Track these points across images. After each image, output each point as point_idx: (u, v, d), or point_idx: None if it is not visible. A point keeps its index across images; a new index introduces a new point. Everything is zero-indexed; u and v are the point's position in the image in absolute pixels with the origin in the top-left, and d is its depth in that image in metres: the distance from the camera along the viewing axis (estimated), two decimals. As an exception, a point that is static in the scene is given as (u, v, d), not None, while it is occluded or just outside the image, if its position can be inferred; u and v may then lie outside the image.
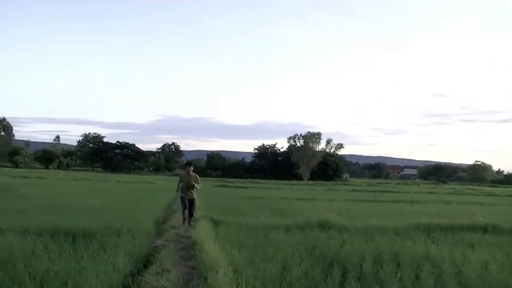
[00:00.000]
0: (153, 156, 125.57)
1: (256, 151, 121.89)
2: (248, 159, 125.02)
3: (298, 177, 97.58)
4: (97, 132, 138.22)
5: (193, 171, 12.98)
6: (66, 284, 5.19)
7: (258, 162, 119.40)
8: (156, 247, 8.60)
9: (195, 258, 7.51)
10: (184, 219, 12.33)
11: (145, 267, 7.03)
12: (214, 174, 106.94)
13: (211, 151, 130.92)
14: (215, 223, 12.34)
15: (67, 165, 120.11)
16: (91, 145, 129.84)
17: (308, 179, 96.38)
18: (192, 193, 12.62)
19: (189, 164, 13.31)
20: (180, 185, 12.75)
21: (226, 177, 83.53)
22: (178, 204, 14.19)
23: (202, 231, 9.96)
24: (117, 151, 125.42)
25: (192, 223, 12.17)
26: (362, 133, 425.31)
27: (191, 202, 12.57)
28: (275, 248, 8.51)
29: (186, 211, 12.34)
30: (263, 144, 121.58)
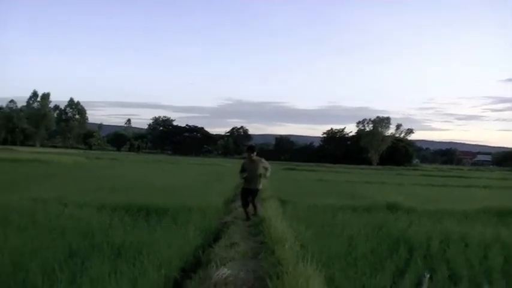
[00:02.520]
0: (221, 140, 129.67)
1: (324, 135, 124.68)
2: (316, 144, 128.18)
3: (367, 162, 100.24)
4: (167, 116, 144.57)
5: (257, 155, 10.96)
6: (141, 253, 5.88)
7: (326, 146, 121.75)
8: (225, 223, 9.30)
9: (263, 233, 8.06)
10: (247, 217, 10.61)
11: (215, 241, 7.69)
12: (282, 158, 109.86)
13: (280, 135, 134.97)
14: (283, 203, 12.97)
15: (138, 148, 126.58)
16: (161, 128, 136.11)
17: (377, 164, 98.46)
18: (257, 183, 10.75)
19: (250, 148, 10.99)
20: (244, 175, 10.82)
21: (294, 161, 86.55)
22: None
23: (270, 209, 10.66)
24: (187, 134, 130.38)
25: (258, 214, 10.67)
26: (433, 119, 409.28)
27: (254, 193, 10.85)
28: (341, 227, 8.95)
29: (248, 209, 10.78)
30: (331, 129, 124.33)
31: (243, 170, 10.90)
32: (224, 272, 5.42)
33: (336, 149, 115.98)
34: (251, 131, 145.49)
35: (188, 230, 7.60)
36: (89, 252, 5.89)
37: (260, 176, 10.71)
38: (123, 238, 6.77)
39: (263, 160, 10.94)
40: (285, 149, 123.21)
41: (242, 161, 11.18)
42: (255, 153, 10.83)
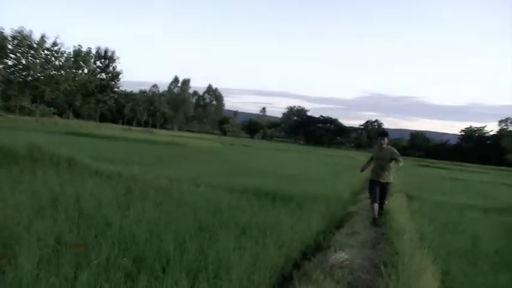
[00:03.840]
0: (355, 133, 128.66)
1: (462, 133, 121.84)
2: (453, 142, 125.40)
3: (508, 164, 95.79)
4: (301, 106, 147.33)
5: (388, 144, 9.86)
6: (265, 232, 6.24)
7: (463, 145, 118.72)
8: (349, 213, 9.48)
9: (385, 225, 8.11)
10: (374, 218, 9.32)
11: (337, 228, 7.88)
12: (417, 154, 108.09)
13: (415, 131, 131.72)
14: (410, 198, 12.88)
15: (271, 136, 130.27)
16: (295, 118, 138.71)
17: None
18: (387, 175, 9.66)
19: (382, 134, 9.90)
20: (372, 164, 10.06)
21: (429, 159, 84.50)
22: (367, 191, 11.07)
23: (395, 203, 10.57)
24: (320, 125, 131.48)
25: (377, 211, 9.47)
26: None
27: (384, 187, 9.67)
28: (467, 225, 8.70)
29: (377, 205, 9.49)
30: (470, 127, 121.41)
31: (372, 158, 10.17)
32: (341, 256, 5.64)
33: (474, 149, 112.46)
34: (386, 125, 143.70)
35: (311, 216, 7.85)
36: (216, 229, 6.38)
37: (389, 168, 9.61)
38: (249, 218, 7.21)
39: (395, 151, 9.79)
40: (419, 146, 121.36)
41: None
42: (387, 140, 9.73)
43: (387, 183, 9.69)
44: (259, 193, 10.37)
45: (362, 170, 10.82)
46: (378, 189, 9.55)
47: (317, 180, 15.40)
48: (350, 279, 5.14)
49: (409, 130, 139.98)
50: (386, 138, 9.69)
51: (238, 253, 5.00)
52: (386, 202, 9.83)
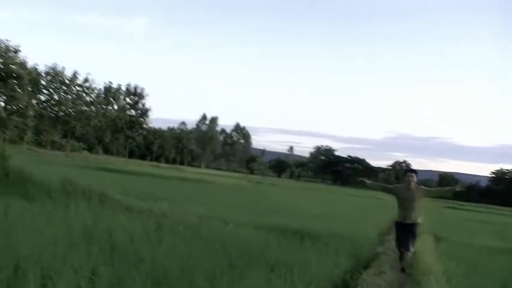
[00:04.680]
0: (383, 173, 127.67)
1: (493, 175, 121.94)
2: (483, 183, 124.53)
3: None
4: (329, 145, 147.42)
5: (416, 182, 8.70)
6: (293, 270, 6.35)
7: (493, 187, 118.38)
8: (376, 253, 9.55)
9: (412, 266, 8.14)
10: (401, 260, 8.47)
11: (364, 268, 7.95)
12: (445, 196, 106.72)
13: (444, 172, 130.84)
14: (437, 239, 12.84)
15: (298, 176, 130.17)
16: (322, 157, 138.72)
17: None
18: (414, 216, 8.59)
19: (411, 171, 8.85)
20: (398, 205, 8.87)
21: (458, 200, 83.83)
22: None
23: (423, 244, 10.56)
24: (348, 165, 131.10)
25: (407, 262, 8.45)
26: None
27: (411, 229, 8.51)
28: (496, 269, 8.63)
29: (405, 252, 8.44)
30: (501, 168, 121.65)
31: (386, 190, 9.38)
32: None
33: (505, 191, 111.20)
34: (414, 166, 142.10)
35: (338, 256, 7.96)
36: (246, 265, 6.52)
37: (418, 209, 8.66)
38: (277, 256, 7.34)
39: (425, 187, 9.00)
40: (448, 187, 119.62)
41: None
42: (416, 178, 8.64)
43: (414, 225, 8.52)
44: (287, 231, 10.51)
45: (366, 183, 9.84)
46: (405, 234, 8.51)
47: (344, 219, 15.49)
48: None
49: (437, 171, 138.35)
50: (415, 176, 8.64)
51: (266, 289, 5.13)
52: (411, 249, 8.52)
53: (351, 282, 6.77)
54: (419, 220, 8.69)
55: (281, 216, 14.23)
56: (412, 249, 8.54)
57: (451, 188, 9.05)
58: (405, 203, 8.63)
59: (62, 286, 4.57)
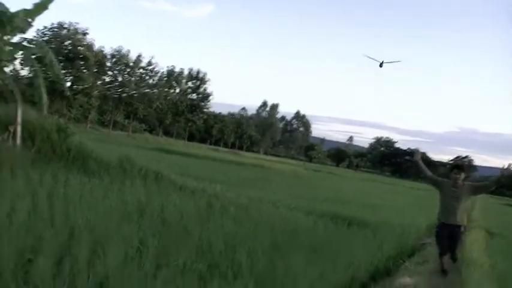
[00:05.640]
0: (443, 167, 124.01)
1: None
2: None
3: None
4: (389, 137, 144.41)
5: (465, 178, 7.82)
6: (335, 254, 6.47)
7: None
8: (423, 244, 9.50)
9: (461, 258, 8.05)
10: (442, 269, 7.29)
11: (409, 257, 7.94)
12: (508, 193, 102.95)
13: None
14: (490, 234, 12.54)
15: (356, 166, 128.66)
16: (382, 149, 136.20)
17: None
18: (458, 217, 7.56)
19: (458, 167, 7.86)
20: (440, 203, 7.88)
21: None
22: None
23: (472, 237, 10.34)
24: (407, 157, 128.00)
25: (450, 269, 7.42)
26: None
27: (455, 234, 7.52)
28: None
29: (446, 258, 7.45)
30: None
31: (433, 180, 8.16)
32: (406, 281, 5.77)
33: None
34: (477, 162, 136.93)
35: (384, 243, 7.98)
36: (290, 246, 6.68)
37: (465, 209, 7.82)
38: (322, 239, 7.46)
39: (469, 183, 7.96)
40: (511, 185, 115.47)
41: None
42: (463, 175, 7.71)
43: (459, 227, 7.57)
44: (336, 218, 10.57)
45: (418, 162, 8.34)
46: (447, 236, 7.54)
47: (397, 210, 15.36)
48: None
49: (500, 168, 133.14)
50: (463, 174, 7.70)
51: (306, 269, 5.26)
52: (458, 253, 7.69)
53: (393, 268, 6.80)
54: (464, 221, 7.73)
55: (333, 204, 14.27)
56: (458, 256, 7.65)
57: (499, 174, 7.52)
58: (450, 201, 7.64)
59: (111, 253, 4.87)
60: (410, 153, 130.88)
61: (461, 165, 7.91)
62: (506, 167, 7.10)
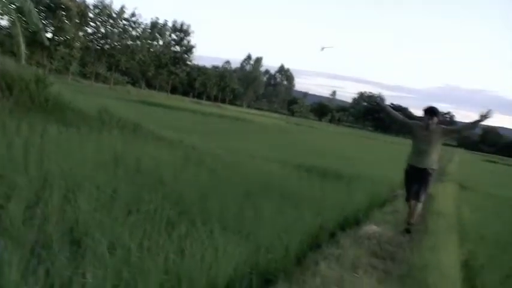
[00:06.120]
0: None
1: None
2: None
3: None
4: (373, 92, 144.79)
5: (439, 122, 7.37)
6: (305, 202, 6.62)
7: None
8: (395, 195, 9.74)
9: (429, 209, 8.31)
10: (408, 222, 7.07)
11: (380, 207, 8.17)
12: (486, 150, 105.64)
13: (488, 126, 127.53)
14: (463, 188, 12.85)
15: (339, 120, 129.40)
16: (365, 104, 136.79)
17: None
18: (430, 161, 7.22)
19: (430, 112, 7.30)
20: (412, 147, 7.55)
21: (500, 155, 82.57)
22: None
23: (444, 190, 10.66)
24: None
25: (414, 219, 7.16)
26: None
27: (424, 176, 7.16)
28: None
29: (414, 202, 7.10)
30: None
31: (403, 123, 7.91)
32: (372, 228, 5.98)
33: None
34: (458, 118, 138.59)
35: (356, 194, 8.16)
36: (262, 195, 6.81)
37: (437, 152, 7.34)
38: (295, 189, 7.61)
39: (443, 126, 7.44)
40: (491, 141, 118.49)
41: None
42: (436, 119, 7.26)
43: (430, 170, 7.16)
44: (312, 170, 10.74)
45: (382, 106, 8.43)
46: (416, 180, 7.23)
47: (373, 164, 15.63)
48: (376, 249, 5.47)
49: (482, 125, 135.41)
50: (435, 118, 7.26)
51: (275, 216, 5.40)
52: (422, 198, 7.17)
53: (363, 219, 6.98)
54: (435, 166, 7.27)
55: (310, 157, 14.45)
56: (422, 199, 7.18)
57: (475, 120, 7.10)
58: (421, 145, 7.29)
59: (83, 199, 4.94)
60: (393, 108, 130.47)
61: (434, 109, 7.36)
62: (484, 113, 6.89)
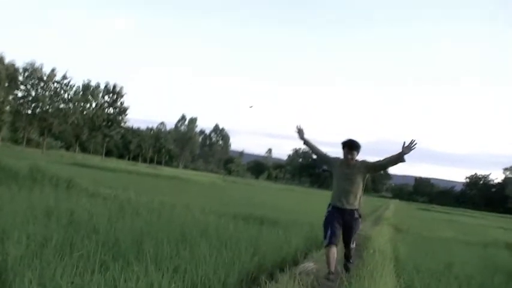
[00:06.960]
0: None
1: (467, 180, 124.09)
2: (458, 188, 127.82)
3: None
4: (306, 148, 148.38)
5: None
6: (247, 244, 6.64)
7: (468, 192, 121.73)
8: None
9: (366, 249, 8.58)
10: (329, 269, 6.04)
11: (318, 249, 8.31)
12: (421, 200, 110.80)
13: (420, 177, 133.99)
14: (398, 230, 13.30)
15: (275, 177, 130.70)
16: (300, 160, 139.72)
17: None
18: (353, 200, 6.45)
19: (350, 146, 6.43)
20: (333, 185, 6.78)
21: (433, 204, 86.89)
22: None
23: (380, 231, 11.05)
24: (325, 168, 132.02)
25: (349, 266, 6.70)
26: None
27: (348, 221, 6.40)
28: (447, 254, 9.13)
29: (334, 249, 6.18)
30: (475, 174, 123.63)
31: (323, 158, 7.11)
32: (310, 265, 6.11)
33: (479, 196, 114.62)
34: (391, 171, 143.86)
35: (293, 238, 8.30)
36: (198, 239, 6.78)
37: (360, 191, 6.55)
38: (232, 234, 7.63)
39: (365, 161, 6.63)
40: (424, 191, 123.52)
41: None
42: (356, 153, 6.46)
43: (351, 212, 6.42)
44: (248, 218, 10.80)
45: (303, 136, 7.19)
46: (339, 222, 6.36)
47: (310, 212, 15.86)
48: (314, 285, 5.56)
49: (413, 176, 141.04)
50: (355, 152, 6.46)
51: (213, 257, 5.40)
52: (353, 243, 6.63)
53: (300, 260, 7.06)
54: (358, 206, 6.52)
55: (247, 207, 14.51)
56: (353, 245, 6.63)
57: (399, 153, 6.16)
58: (342, 183, 6.50)
59: (13, 245, 4.78)
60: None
61: (354, 142, 6.46)
62: (407, 144, 6.07)
